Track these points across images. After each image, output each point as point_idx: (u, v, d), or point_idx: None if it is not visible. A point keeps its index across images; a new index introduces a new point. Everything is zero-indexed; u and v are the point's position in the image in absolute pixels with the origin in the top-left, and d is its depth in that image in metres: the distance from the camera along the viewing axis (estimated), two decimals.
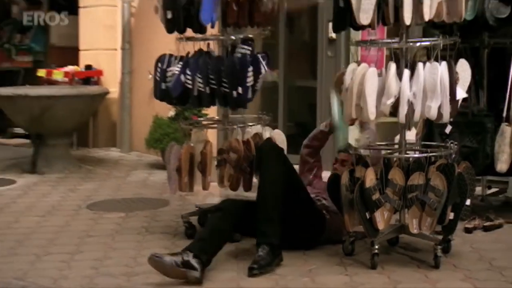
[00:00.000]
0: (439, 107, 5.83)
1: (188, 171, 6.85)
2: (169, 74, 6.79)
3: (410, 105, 5.84)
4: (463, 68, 6.11)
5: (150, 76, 10.02)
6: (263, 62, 6.76)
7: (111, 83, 11.50)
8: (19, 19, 13.57)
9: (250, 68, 6.65)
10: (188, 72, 6.70)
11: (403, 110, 5.83)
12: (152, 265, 5.53)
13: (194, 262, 5.48)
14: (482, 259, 6.11)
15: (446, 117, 5.94)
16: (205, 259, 5.55)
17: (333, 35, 8.77)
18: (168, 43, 7.33)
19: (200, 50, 6.91)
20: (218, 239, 5.79)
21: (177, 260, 5.51)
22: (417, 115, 5.92)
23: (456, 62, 6.03)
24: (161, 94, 6.96)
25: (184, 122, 8.12)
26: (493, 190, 7.63)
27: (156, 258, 5.55)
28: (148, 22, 10.59)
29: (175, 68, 6.74)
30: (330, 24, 8.08)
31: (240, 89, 6.56)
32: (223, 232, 5.90)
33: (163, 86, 6.86)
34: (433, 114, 5.84)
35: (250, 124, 6.94)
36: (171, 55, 6.90)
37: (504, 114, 6.91)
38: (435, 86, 5.77)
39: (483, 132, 6.98)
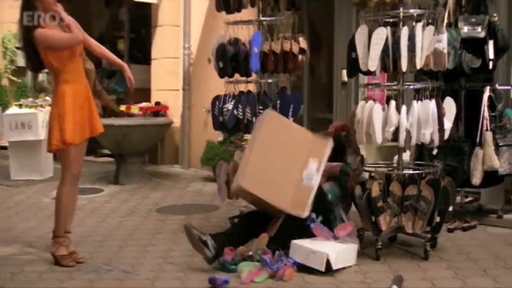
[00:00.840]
0: (431, 134, 5.83)
1: None
2: (225, 110, 6.85)
3: (408, 132, 5.85)
4: (449, 105, 6.10)
5: (204, 110, 10.14)
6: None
7: (175, 116, 11.52)
8: (107, 68, 13.68)
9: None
10: (240, 106, 6.76)
11: (402, 136, 5.86)
12: (184, 230, 5.75)
13: (211, 245, 5.58)
14: (461, 253, 6.10)
15: (437, 142, 5.96)
16: (219, 249, 5.61)
17: (345, 79, 8.73)
18: (217, 85, 7.34)
19: (249, 90, 7.00)
20: (234, 240, 5.76)
21: (202, 237, 5.64)
22: (413, 141, 5.96)
23: (443, 100, 6.03)
24: (219, 125, 7.07)
25: (230, 145, 8.11)
26: (469, 199, 7.57)
27: (188, 228, 5.73)
28: (202, 69, 10.66)
29: (229, 105, 6.80)
30: (343, 71, 8.04)
31: None
32: (240, 237, 5.87)
33: (220, 119, 6.91)
34: (426, 139, 5.88)
35: None
36: (224, 95, 6.94)
37: (477, 140, 6.89)
38: (428, 117, 5.80)
39: (462, 154, 6.92)
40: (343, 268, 5.49)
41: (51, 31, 5.72)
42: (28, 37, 5.75)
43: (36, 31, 5.66)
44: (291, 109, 6.75)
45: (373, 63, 5.89)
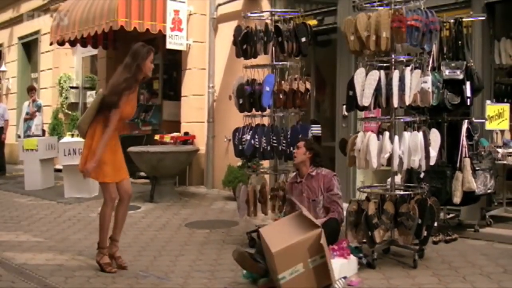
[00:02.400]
0: (419, 160, 5.79)
1: (253, 202, 6.84)
2: (243, 140, 6.87)
3: (400, 159, 5.82)
4: (434, 135, 6.08)
5: (225, 139, 10.11)
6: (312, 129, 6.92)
7: (201, 144, 11.49)
8: (144, 103, 13.74)
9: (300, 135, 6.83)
10: (256, 137, 6.78)
11: (395, 162, 5.84)
12: (234, 256, 5.39)
13: (259, 259, 5.29)
14: (444, 262, 6.02)
15: (424, 167, 5.95)
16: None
17: (346, 113, 8.69)
18: (237, 118, 7.32)
19: (263, 124, 7.03)
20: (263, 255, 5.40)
21: (251, 254, 5.39)
22: (405, 166, 5.93)
23: (429, 132, 6.02)
24: (239, 153, 7.13)
25: (248, 169, 8.07)
26: (451, 215, 7.47)
27: (239, 250, 5.43)
28: (224, 105, 10.64)
29: (247, 136, 6.81)
30: (344, 106, 8.00)
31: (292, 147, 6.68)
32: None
33: (240, 147, 6.92)
34: (416, 165, 5.86)
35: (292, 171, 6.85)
36: (244, 127, 6.96)
37: (458, 165, 6.85)
38: (417, 146, 5.79)
39: (445, 177, 6.86)
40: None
41: (115, 118, 5.81)
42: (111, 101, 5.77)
43: (115, 111, 5.76)
44: (300, 135, 6.72)
45: (367, 100, 5.92)
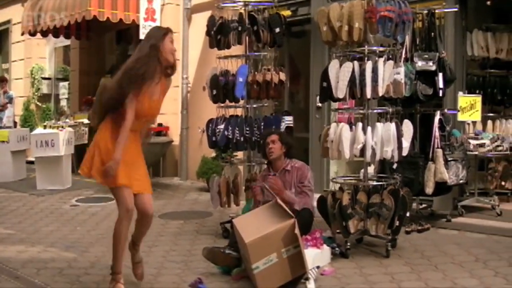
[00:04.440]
0: (392, 151, 5.83)
1: (226, 194, 6.83)
2: (217, 131, 6.85)
3: (373, 149, 5.86)
4: (407, 126, 6.11)
5: (199, 130, 10.09)
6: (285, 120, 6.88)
7: (175, 135, 11.47)
8: None
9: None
10: (230, 128, 6.77)
11: (368, 153, 5.87)
12: (204, 254, 5.42)
13: (231, 250, 5.33)
14: (416, 251, 6.08)
15: (396, 158, 5.98)
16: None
17: (319, 104, 8.72)
18: (211, 109, 7.30)
19: (237, 114, 7.03)
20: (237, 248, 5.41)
21: (221, 249, 5.42)
22: (377, 157, 5.96)
23: (401, 122, 6.06)
24: (212, 144, 7.13)
25: (221, 160, 8.08)
26: (424, 205, 7.54)
27: (208, 248, 5.47)
28: (198, 96, 10.62)
29: (221, 127, 6.80)
30: (317, 97, 8.03)
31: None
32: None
33: (214, 138, 6.92)
34: (388, 155, 5.91)
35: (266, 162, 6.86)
36: (217, 118, 6.95)
37: (430, 156, 6.90)
38: (389, 137, 5.82)
39: (417, 168, 6.92)
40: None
41: (131, 111, 4.63)
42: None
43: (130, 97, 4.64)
44: (273, 127, 6.70)
45: (341, 92, 5.94)
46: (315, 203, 6.13)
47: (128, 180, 4.73)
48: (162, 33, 4.91)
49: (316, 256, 5.36)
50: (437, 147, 6.85)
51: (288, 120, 6.93)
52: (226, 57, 7.06)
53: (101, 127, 4.81)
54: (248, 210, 6.11)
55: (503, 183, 8.06)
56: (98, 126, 4.86)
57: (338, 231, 6.00)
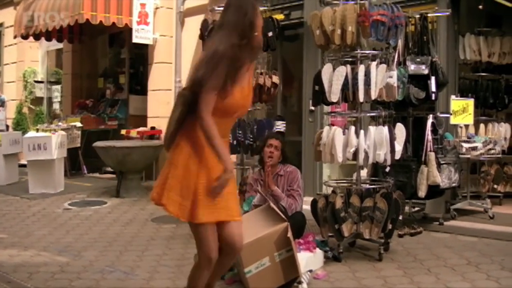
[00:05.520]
0: (385, 155, 5.85)
1: None
2: None
3: (365, 153, 5.87)
4: (400, 130, 6.13)
5: None
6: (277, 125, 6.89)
7: None
8: (110, 98, 13.68)
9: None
10: None
11: (361, 156, 5.89)
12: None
13: None
14: (409, 254, 6.09)
15: (389, 161, 5.99)
16: None
17: (312, 108, 8.73)
18: None
19: None
20: None
21: None
22: (370, 160, 5.97)
23: (394, 126, 6.07)
24: None
25: None
26: (416, 209, 7.56)
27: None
28: None
29: None
30: (311, 101, 8.03)
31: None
32: None
33: None
34: (381, 159, 5.91)
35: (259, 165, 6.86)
36: None
37: (423, 159, 6.91)
38: (382, 141, 5.82)
39: (410, 171, 6.92)
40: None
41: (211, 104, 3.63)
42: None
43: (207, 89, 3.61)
44: (266, 130, 6.69)
45: (335, 96, 5.95)
46: (304, 207, 6.14)
47: (214, 214, 3.69)
48: (253, 4, 3.77)
49: (309, 259, 5.36)
50: (430, 151, 6.86)
51: (278, 126, 6.93)
52: None
53: (176, 145, 3.78)
54: (248, 206, 6.09)
55: (495, 186, 8.11)
56: (170, 148, 3.83)
57: (330, 234, 6.00)
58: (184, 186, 3.65)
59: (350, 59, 6.14)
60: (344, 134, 5.96)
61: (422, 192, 6.89)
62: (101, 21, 10.99)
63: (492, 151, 7.54)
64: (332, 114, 6.89)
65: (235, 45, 3.63)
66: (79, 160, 12.43)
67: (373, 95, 5.89)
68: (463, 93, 8.04)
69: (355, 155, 5.95)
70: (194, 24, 10.08)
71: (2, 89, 15.74)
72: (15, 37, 13.19)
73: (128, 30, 11.73)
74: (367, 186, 6.27)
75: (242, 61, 3.70)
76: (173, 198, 3.67)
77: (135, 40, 11.40)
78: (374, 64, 5.90)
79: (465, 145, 7.40)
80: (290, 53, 10.36)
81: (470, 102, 7.46)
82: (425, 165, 6.87)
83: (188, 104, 3.75)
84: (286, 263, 4.89)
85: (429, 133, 6.91)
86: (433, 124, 6.96)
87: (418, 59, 6.89)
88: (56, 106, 15.57)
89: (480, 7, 8.38)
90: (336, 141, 5.90)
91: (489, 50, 8.23)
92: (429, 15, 7.15)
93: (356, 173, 6.27)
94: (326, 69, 6.00)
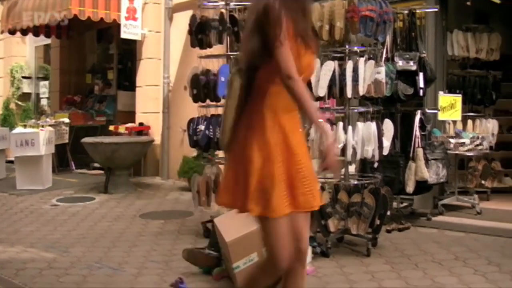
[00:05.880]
0: (373, 150, 5.86)
1: (205, 193, 6.81)
2: (198, 130, 6.82)
3: (353, 149, 5.88)
4: (388, 126, 6.14)
5: (181, 130, 10.05)
6: None
7: (156, 134, 11.42)
8: (98, 94, 13.65)
9: None
10: (211, 127, 6.74)
11: (349, 152, 5.89)
12: (185, 256, 5.41)
13: (211, 250, 5.34)
14: (397, 250, 6.09)
15: (377, 157, 5.99)
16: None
17: None
18: (192, 109, 7.25)
19: (218, 114, 6.89)
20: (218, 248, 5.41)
21: (201, 250, 5.43)
22: (358, 156, 5.97)
23: (382, 122, 6.08)
24: (193, 143, 7.03)
25: (203, 160, 8.06)
26: (404, 204, 7.58)
27: (188, 250, 5.47)
28: (179, 95, 10.58)
29: (202, 127, 6.77)
30: None
31: None
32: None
33: (195, 138, 6.88)
34: (369, 155, 5.93)
35: None
36: (198, 117, 6.91)
37: (411, 155, 6.93)
38: (370, 136, 5.84)
39: (398, 167, 6.94)
40: None
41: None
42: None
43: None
44: None
45: (322, 90, 5.95)
46: None
47: (294, 204, 3.14)
48: None
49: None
50: (418, 146, 6.88)
51: None
52: (207, 56, 7.04)
53: (241, 140, 3.23)
54: None
55: (483, 182, 8.14)
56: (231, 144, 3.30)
57: (318, 230, 6.01)
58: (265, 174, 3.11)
59: (338, 55, 6.14)
60: (332, 130, 5.97)
61: (410, 188, 6.91)
62: (89, 17, 10.95)
63: (480, 147, 7.57)
64: (321, 110, 6.89)
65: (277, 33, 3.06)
66: (67, 156, 12.39)
67: (361, 91, 5.90)
68: (451, 89, 8.07)
69: (343, 150, 5.96)
70: (182, 20, 10.06)
71: None
72: (2, 32, 13.13)
73: (116, 26, 11.69)
74: (355, 181, 6.27)
75: (294, 7, 3.16)
76: (255, 194, 3.11)
77: (123, 35, 11.36)
78: (362, 60, 5.91)
79: (453, 141, 7.43)
80: None
81: (458, 98, 7.49)
82: (413, 161, 6.88)
83: (245, 87, 3.22)
84: None
85: (417, 129, 6.93)
86: (421, 120, 6.98)
87: (406, 55, 6.90)
88: (44, 102, 15.52)
89: (468, 3, 8.42)
90: None
91: (477, 46, 8.27)
92: (417, 11, 7.17)
93: (344, 168, 6.28)
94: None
